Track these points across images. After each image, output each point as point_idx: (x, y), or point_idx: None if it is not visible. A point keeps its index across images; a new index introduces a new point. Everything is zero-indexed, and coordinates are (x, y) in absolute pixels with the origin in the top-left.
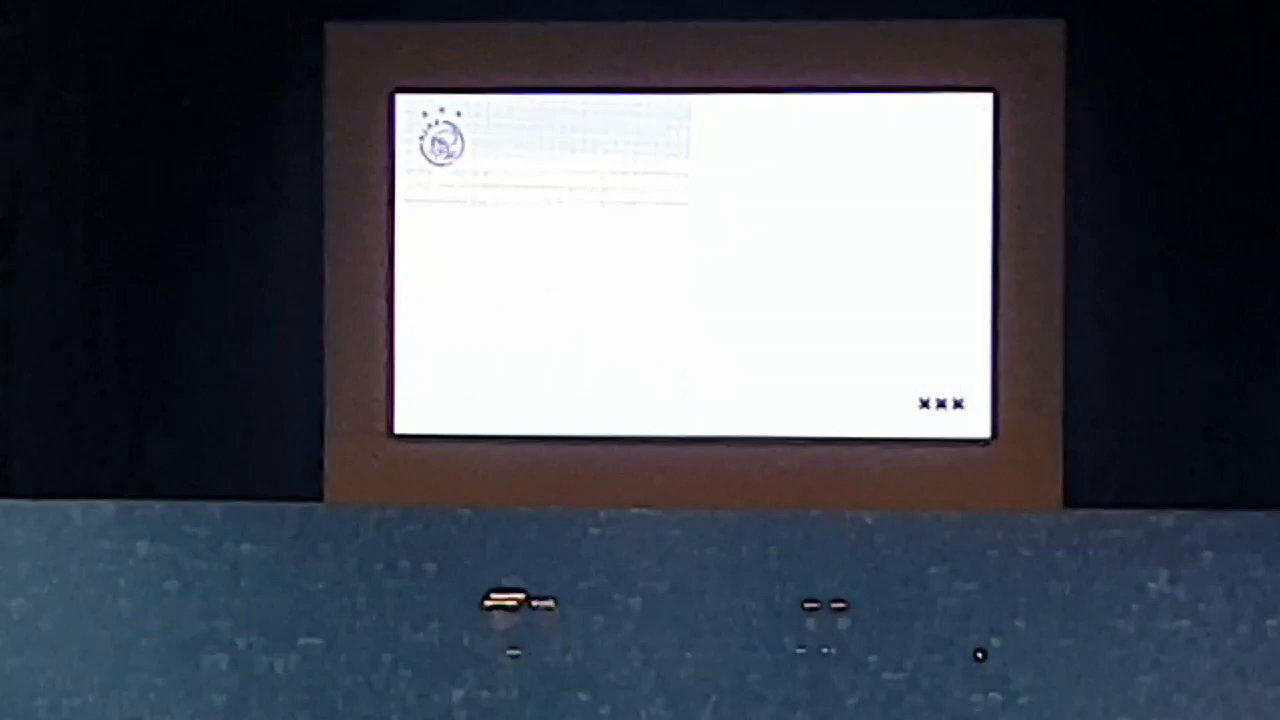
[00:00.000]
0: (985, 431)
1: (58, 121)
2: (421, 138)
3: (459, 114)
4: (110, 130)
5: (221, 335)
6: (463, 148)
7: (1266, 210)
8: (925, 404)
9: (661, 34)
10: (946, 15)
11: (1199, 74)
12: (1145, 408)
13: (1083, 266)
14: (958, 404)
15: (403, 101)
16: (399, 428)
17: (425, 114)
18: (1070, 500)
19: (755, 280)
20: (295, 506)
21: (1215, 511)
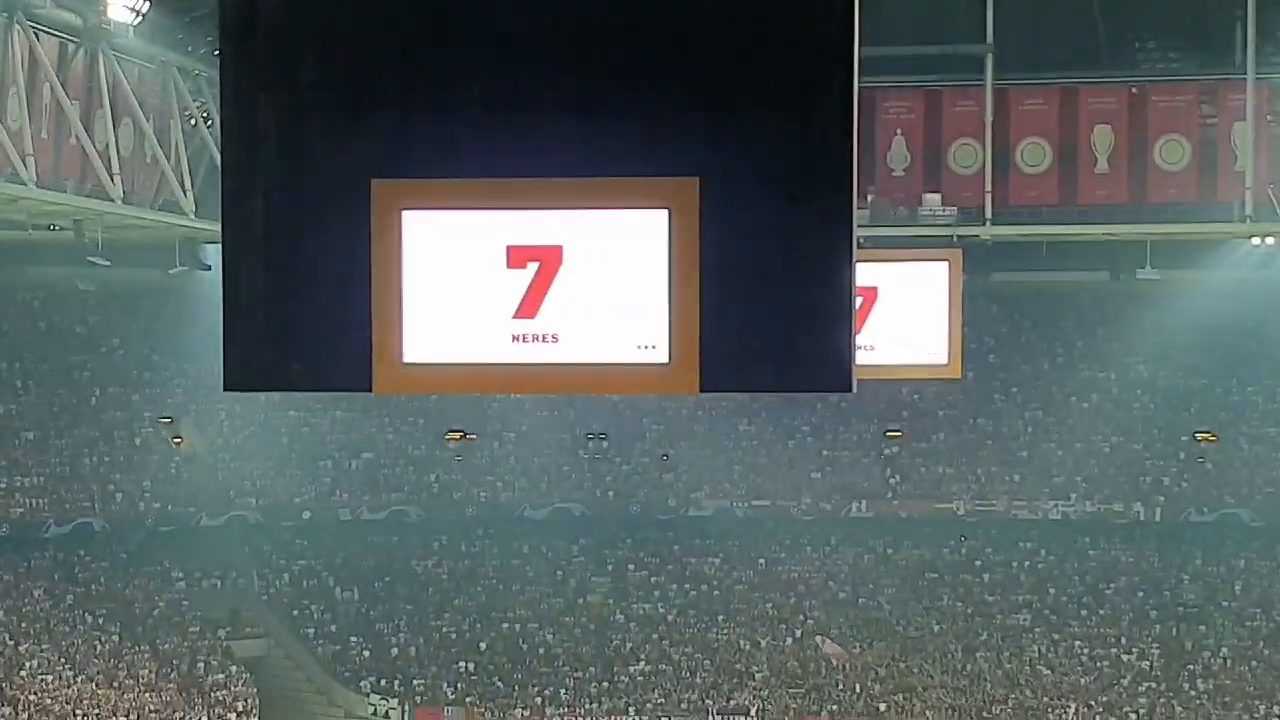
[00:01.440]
0: (666, 359)
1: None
2: (414, 230)
3: (431, 221)
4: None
5: (332, 313)
6: (432, 237)
7: (802, 245)
8: (640, 348)
9: (523, 185)
10: (649, 175)
11: (763, 197)
12: (727, 348)
13: (708, 286)
14: (654, 347)
15: (406, 215)
16: (406, 359)
17: (417, 220)
18: (703, 388)
19: (579, 298)
20: (360, 395)
21: (766, 392)
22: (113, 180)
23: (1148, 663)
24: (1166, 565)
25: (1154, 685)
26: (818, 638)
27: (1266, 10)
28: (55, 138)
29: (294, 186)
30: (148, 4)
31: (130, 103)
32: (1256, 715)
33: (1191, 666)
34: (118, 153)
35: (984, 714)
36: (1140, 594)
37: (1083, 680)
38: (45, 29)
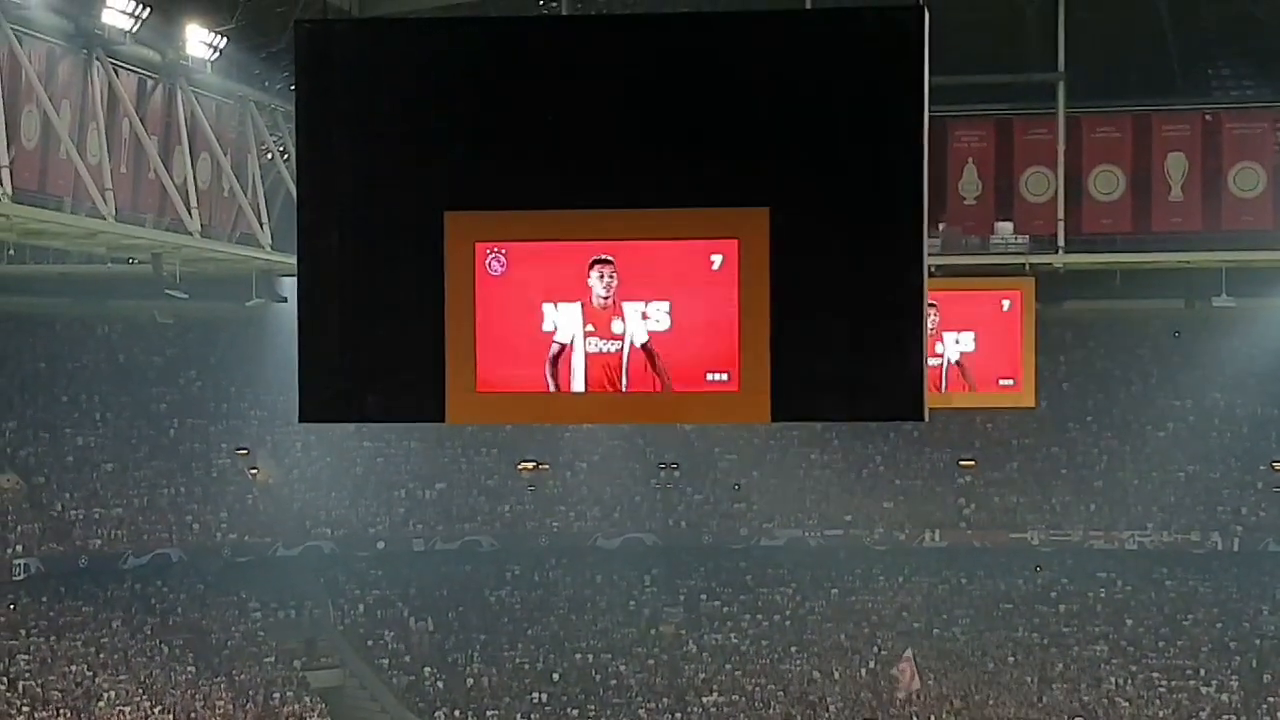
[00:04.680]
0: (736, 389)
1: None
2: (487, 262)
3: (504, 253)
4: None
5: (405, 344)
6: (505, 268)
7: (853, 275)
8: (711, 377)
9: (594, 216)
10: (719, 205)
11: (819, 224)
12: (799, 377)
13: (779, 315)
14: (725, 377)
15: (480, 246)
16: (479, 389)
17: (490, 252)
18: (774, 417)
19: (650, 328)
20: (433, 425)
21: (831, 421)
22: (190, 214)
23: (1227, 695)
24: (1245, 596)
25: (1233, 718)
26: (905, 659)
27: None
28: (134, 172)
29: (368, 220)
30: (225, 40)
31: (208, 137)
32: None
33: (1271, 699)
34: (195, 187)
35: None
36: (1219, 625)
37: (1161, 713)
38: (124, 65)
